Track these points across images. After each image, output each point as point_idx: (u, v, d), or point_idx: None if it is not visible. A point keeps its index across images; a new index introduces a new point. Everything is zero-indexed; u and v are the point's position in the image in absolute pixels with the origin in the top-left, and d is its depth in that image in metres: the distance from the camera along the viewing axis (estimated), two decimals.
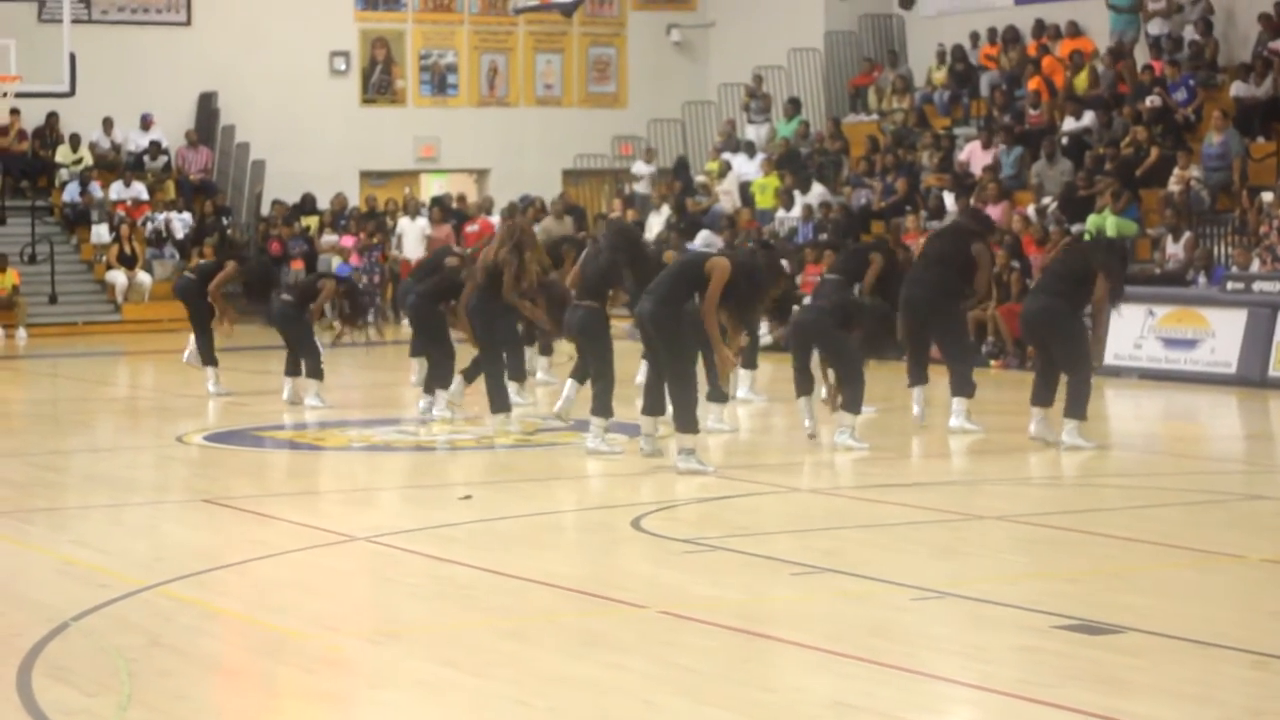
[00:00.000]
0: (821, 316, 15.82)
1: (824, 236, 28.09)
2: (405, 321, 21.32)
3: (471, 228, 32.79)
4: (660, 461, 14.68)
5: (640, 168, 34.94)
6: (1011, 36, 31.81)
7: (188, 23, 35.02)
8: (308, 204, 34.48)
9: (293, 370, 19.48)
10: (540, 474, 14.98)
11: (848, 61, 35.24)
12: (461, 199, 34.97)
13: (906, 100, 32.88)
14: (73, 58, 30.61)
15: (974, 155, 29.17)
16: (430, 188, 36.71)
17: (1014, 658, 8.58)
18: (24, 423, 19.64)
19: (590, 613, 9.67)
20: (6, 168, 33.61)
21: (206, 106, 35.22)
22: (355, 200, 35.26)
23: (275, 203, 34.05)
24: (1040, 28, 31.42)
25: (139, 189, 33.87)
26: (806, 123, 33.61)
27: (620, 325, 18.87)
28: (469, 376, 17.58)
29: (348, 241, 33.32)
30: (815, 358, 15.98)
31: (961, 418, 16.38)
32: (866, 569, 10.56)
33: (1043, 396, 15.62)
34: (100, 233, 32.85)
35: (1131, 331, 22.14)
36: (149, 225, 33.26)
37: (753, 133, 34.26)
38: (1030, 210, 26.39)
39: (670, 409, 14.41)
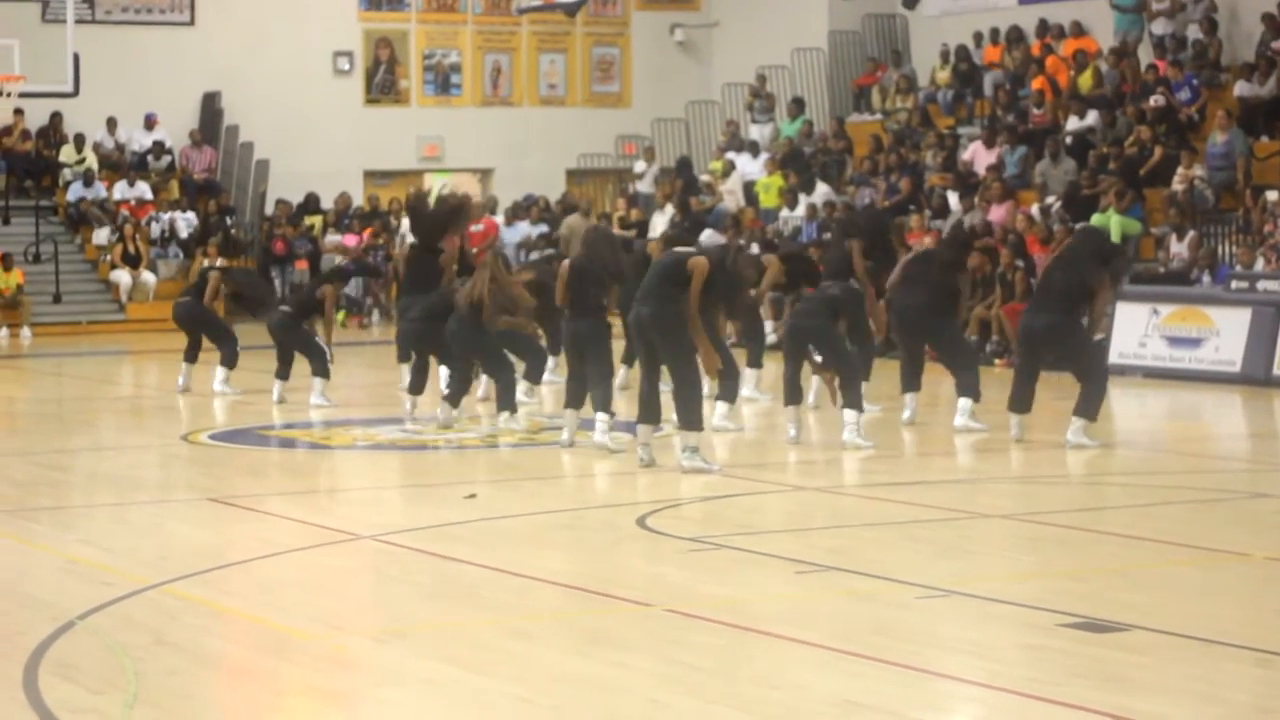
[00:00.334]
0: (813, 317, 15.89)
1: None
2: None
3: (476, 227, 32.74)
4: (663, 462, 14.67)
5: (640, 167, 34.93)
6: (1015, 36, 31.82)
7: (191, 23, 35.03)
8: (312, 203, 34.51)
9: (283, 374, 19.51)
10: (545, 473, 14.98)
11: (851, 61, 35.25)
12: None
13: (910, 100, 32.88)
14: (76, 58, 30.62)
15: (978, 155, 29.17)
16: (434, 188, 36.70)
17: (1019, 656, 8.58)
18: (29, 422, 19.65)
19: (595, 611, 9.67)
20: (11, 167, 33.62)
21: (210, 106, 35.24)
22: (359, 200, 35.27)
23: (279, 202, 34.06)
24: (1044, 27, 31.42)
25: (143, 189, 33.89)
26: (810, 122, 33.61)
27: None
28: (454, 401, 17.32)
29: (351, 241, 33.33)
30: (806, 367, 16.17)
31: (966, 416, 16.42)
32: (872, 567, 10.56)
33: (1024, 404, 15.70)
34: (100, 235, 32.84)
35: (1136, 330, 22.16)
36: (153, 225, 33.28)
37: (756, 132, 34.26)
38: (1034, 210, 26.40)
39: (675, 415, 14.46)
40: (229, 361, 20.61)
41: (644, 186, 34.49)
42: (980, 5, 33.25)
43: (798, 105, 33.99)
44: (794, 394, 16.02)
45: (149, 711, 7.74)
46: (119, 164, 34.32)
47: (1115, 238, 25.65)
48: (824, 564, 10.69)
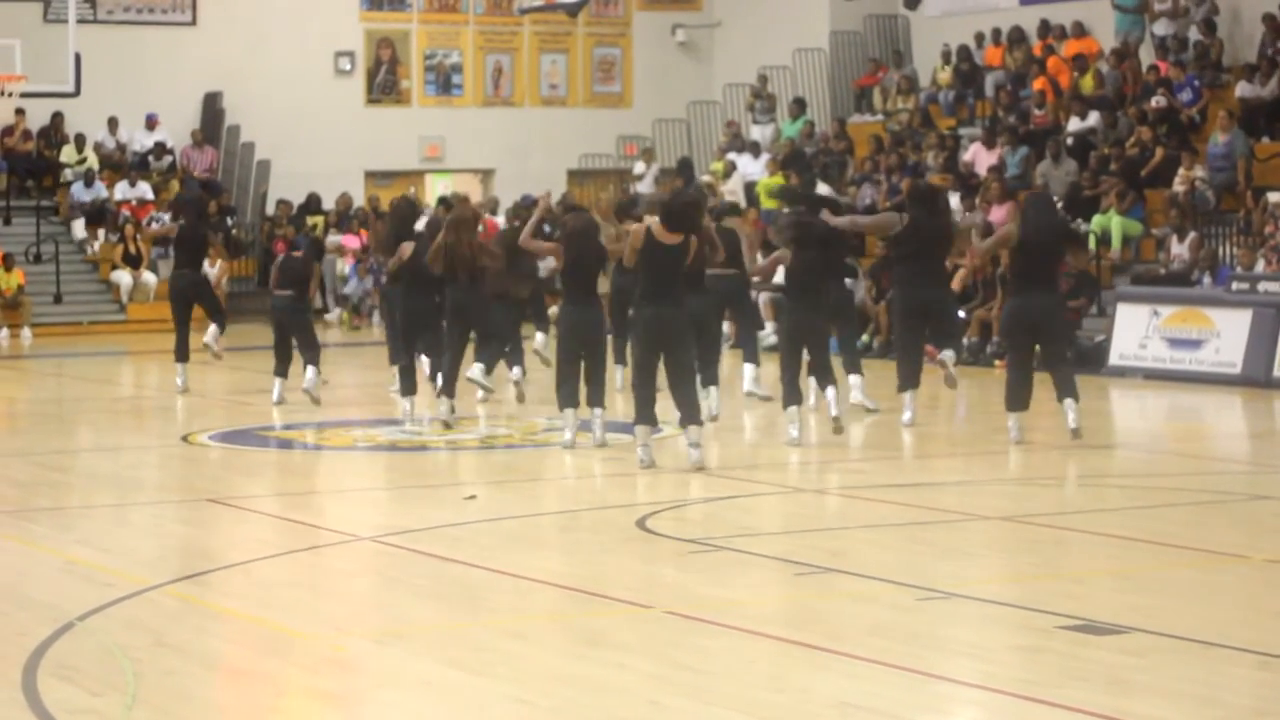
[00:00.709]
0: (808, 315, 15.86)
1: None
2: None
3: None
4: (664, 463, 14.68)
5: (639, 168, 34.92)
6: (1016, 37, 31.81)
7: (193, 23, 35.02)
8: (313, 204, 34.51)
9: (282, 371, 19.48)
10: (544, 474, 14.99)
11: (853, 62, 35.25)
12: (465, 199, 34.92)
13: (911, 100, 32.88)
14: (78, 57, 30.63)
15: (978, 155, 29.16)
16: (435, 188, 36.70)
17: (1018, 658, 8.58)
18: (29, 422, 19.66)
19: (594, 613, 9.67)
20: (12, 167, 33.61)
21: (212, 106, 35.24)
22: (360, 200, 35.27)
23: (280, 202, 34.07)
24: (1045, 28, 31.41)
25: (144, 189, 33.88)
26: (811, 123, 33.60)
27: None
28: (449, 390, 17.37)
29: (351, 241, 33.34)
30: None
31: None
32: (871, 569, 10.56)
33: (1024, 401, 15.64)
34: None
35: (1136, 332, 22.16)
36: (154, 225, 33.26)
37: (758, 133, 34.25)
38: None
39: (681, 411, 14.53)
40: (221, 324, 21.48)
41: (644, 187, 34.47)
42: (982, 6, 33.24)
43: (799, 106, 33.98)
44: (794, 395, 15.98)
45: (148, 713, 7.75)
46: (120, 164, 34.32)
47: (1116, 239, 25.73)
48: (823, 566, 10.69)
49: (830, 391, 16.02)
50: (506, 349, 19.04)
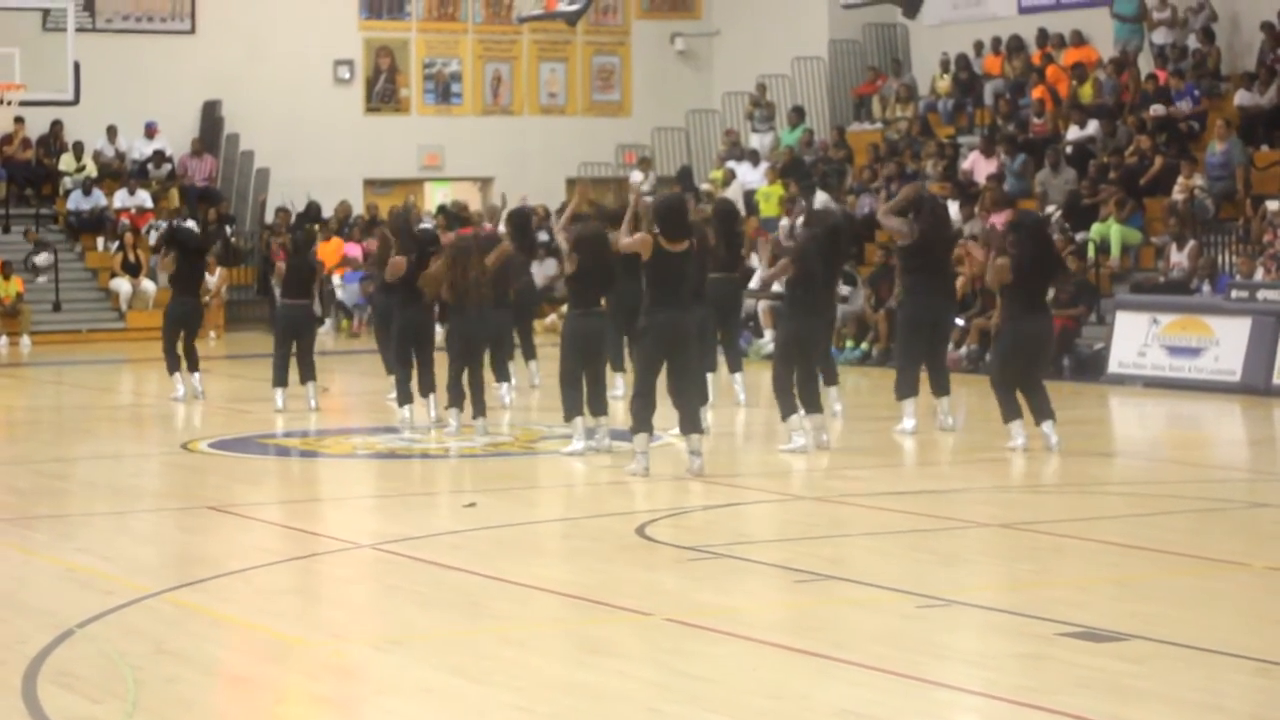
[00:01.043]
0: (810, 322, 15.87)
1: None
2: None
3: None
4: (662, 471, 14.67)
5: (637, 176, 34.91)
6: (1015, 45, 31.83)
7: (192, 31, 35.03)
8: (312, 212, 34.49)
9: (282, 380, 19.45)
10: (544, 481, 14.99)
11: (852, 70, 35.26)
12: (464, 207, 34.96)
13: (910, 109, 32.89)
14: (77, 66, 30.64)
15: (977, 164, 29.16)
16: (434, 196, 36.72)
17: (1019, 665, 8.58)
18: (28, 430, 19.66)
19: (594, 620, 9.67)
20: (11, 176, 33.62)
21: (211, 115, 35.25)
22: (359, 208, 35.26)
23: (279, 210, 34.06)
24: (1044, 37, 31.44)
25: (143, 197, 33.88)
26: (811, 131, 33.61)
27: None
28: (456, 402, 17.39)
29: (352, 250, 33.33)
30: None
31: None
32: (871, 576, 10.56)
33: (1019, 411, 15.70)
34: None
35: (1136, 340, 22.16)
36: (153, 233, 33.27)
37: (757, 141, 34.27)
38: None
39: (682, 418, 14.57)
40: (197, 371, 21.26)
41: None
42: (980, 15, 33.25)
43: (798, 114, 34.00)
44: (790, 404, 15.96)
45: (149, 719, 7.75)
46: (119, 172, 34.32)
47: (1115, 247, 25.73)
48: (823, 573, 10.69)
49: (833, 391, 16.25)
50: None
